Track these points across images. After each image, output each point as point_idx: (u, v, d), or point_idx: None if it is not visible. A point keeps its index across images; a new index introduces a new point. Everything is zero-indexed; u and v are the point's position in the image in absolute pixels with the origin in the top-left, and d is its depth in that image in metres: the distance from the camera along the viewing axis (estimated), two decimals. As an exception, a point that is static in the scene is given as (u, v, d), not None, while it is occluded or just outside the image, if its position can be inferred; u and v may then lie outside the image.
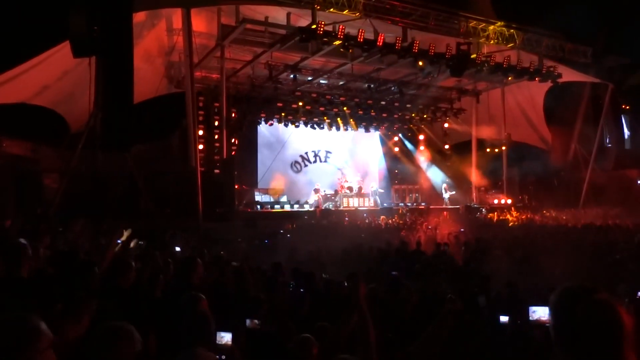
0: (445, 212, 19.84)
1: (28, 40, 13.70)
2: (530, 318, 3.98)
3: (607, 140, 25.88)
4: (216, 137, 18.85)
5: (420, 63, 17.08)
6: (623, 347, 1.77)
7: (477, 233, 12.99)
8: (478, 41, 17.97)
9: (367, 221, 17.29)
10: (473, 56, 17.44)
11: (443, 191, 23.82)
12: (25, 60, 13.93)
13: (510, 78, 19.95)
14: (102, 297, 3.28)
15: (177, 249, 8.34)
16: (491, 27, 18.22)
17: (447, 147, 25.73)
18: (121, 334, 2.16)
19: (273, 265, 6.73)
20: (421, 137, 26.46)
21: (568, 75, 20.60)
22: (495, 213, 20.63)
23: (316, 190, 22.65)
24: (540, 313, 3.93)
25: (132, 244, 5.95)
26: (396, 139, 27.29)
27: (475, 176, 24.71)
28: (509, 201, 23.59)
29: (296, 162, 25.51)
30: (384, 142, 27.89)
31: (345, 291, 5.55)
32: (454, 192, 23.88)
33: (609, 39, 21.81)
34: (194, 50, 15.78)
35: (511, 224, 17.29)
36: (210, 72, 19.50)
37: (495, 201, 23.78)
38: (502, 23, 18.43)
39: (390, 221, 17.39)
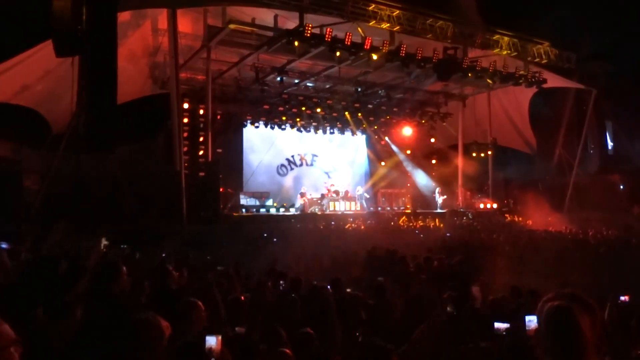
0: (428, 218, 19.93)
1: (9, 38, 13.49)
2: (527, 327, 3.87)
3: (591, 145, 26.32)
4: (201, 139, 18.75)
5: (408, 66, 17.20)
6: (581, 350, 1.82)
7: (464, 238, 13.08)
8: (465, 47, 18.17)
9: (353, 225, 17.30)
10: (460, 61, 17.61)
11: (437, 195, 23.96)
12: (6, 58, 13.72)
13: (496, 83, 20.18)
14: (93, 302, 3.24)
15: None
16: (478, 33, 18.43)
17: (433, 151, 25.91)
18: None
19: (261, 270, 6.71)
20: (408, 140, 26.60)
21: (553, 80, 20.92)
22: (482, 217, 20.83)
23: (302, 194, 22.64)
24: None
25: (102, 245, 5.90)
26: (383, 142, 27.39)
27: (461, 180, 24.93)
28: (495, 205, 23.83)
29: (282, 165, 25.45)
30: (371, 146, 27.98)
31: (330, 297, 5.56)
32: (445, 197, 24.04)
33: (593, 45, 22.21)
34: (180, 51, 15.70)
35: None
36: (196, 74, 19.41)
37: (481, 205, 24.00)
38: (489, 28, 18.67)
39: (377, 225, 17.43)
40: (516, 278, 7.28)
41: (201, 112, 18.93)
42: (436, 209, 23.60)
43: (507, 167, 24.61)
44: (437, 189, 24.12)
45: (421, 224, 18.72)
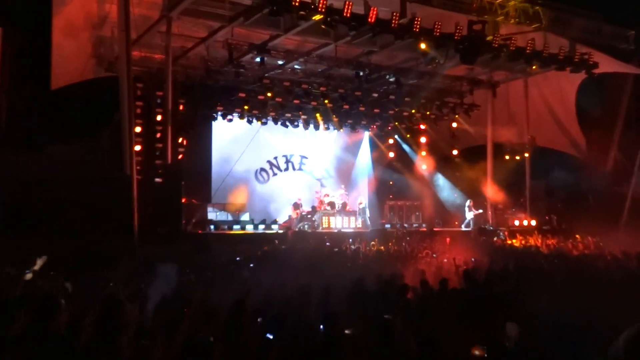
0: (447, 238, 20.03)
1: None
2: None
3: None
4: (158, 135, 18.75)
5: (423, 46, 17.32)
6: None
7: (494, 263, 13.14)
8: (495, 20, 18.33)
9: (353, 247, 17.34)
10: (489, 38, 17.75)
11: (466, 209, 24.03)
12: None
13: (534, 67, 20.34)
14: (27, 344, 3.24)
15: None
16: (512, 3, 18.59)
17: (455, 152, 26.08)
18: None
19: (234, 305, 6.72)
20: (423, 139, 26.75)
21: (606, 64, 21.10)
22: (518, 238, 20.94)
23: (296, 206, 22.64)
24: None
25: (37, 265, 5.91)
26: (391, 141, 27.54)
27: (491, 190, 25.07)
28: (533, 222, 23.98)
29: (262, 169, 25.54)
30: (375, 146, 28.14)
31: (320, 338, 5.59)
32: (481, 211, 24.11)
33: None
34: (132, 22, 15.73)
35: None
36: (153, 52, 19.43)
37: (516, 222, 24.12)
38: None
39: (382, 247, 17.47)
40: (563, 311, 7.32)
41: (159, 101, 18.92)
42: (463, 226, 23.75)
43: (548, 173, 24.75)
44: (469, 202, 24.18)
45: (439, 246, 18.76)
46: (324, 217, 22.14)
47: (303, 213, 22.56)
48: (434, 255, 16.02)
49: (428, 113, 25.02)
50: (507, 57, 18.67)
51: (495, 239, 21.13)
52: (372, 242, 18.28)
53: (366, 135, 28.01)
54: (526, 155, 24.29)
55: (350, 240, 18.98)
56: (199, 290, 8.86)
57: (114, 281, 8.70)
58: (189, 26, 17.96)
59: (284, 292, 8.73)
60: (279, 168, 26.05)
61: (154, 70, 19.62)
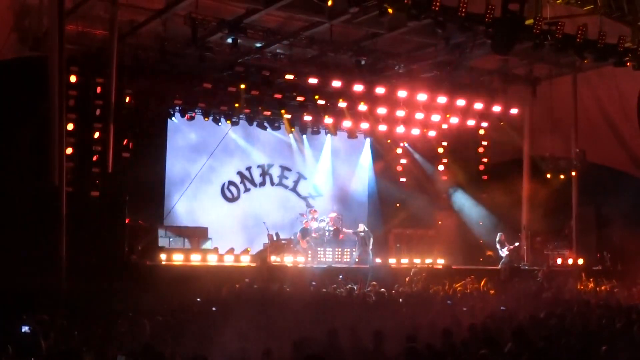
0: (470, 277, 20.03)
1: None
2: None
3: None
4: (97, 136, 18.65)
5: (444, 29, 17.39)
6: None
7: (530, 313, 13.13)
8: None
9: (347, 287, 17.30)
10: (528, 22, 17.85)
11: (498, 245, 23.97)
12: None
13: (586, 61, 20.47)
14: None
15: (26, 329, 8.21)
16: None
17: (482, 167, 26.16)
18: None
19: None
20: (441, 149, 26.80)
21: (679, 60, 21.28)
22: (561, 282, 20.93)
23: (304, 234, 22.37)
24: None
25: None
26: (399, 150, 27.56)
27: (527, 217, 25.08)
28: (580, 261, 24.01)
29: (231, 183, 25.46)
30: (378, 156, 28.14)
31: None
32: (517, 244, 24.07)
33: None
34: (67, -12, 15.73)
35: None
36: (93, 26, 19.40)
37: (559, 260, 24.15)
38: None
39: (384, 290, 17.45)
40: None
41: (99, 90, 18.85)
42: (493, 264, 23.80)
43: (602, 197, 24.83)
44: (499, 236, 24.12)
45: (459, 287, 18.77)
46: (309, 248, 22.08)
47: (283, 242, 22.51)
48: (449, 302, 16.02)
49: (448, 116, 25.08)
50: (551, 47, 18.75)
51: (530, 282, 21.06)
52: (373, 282, 18.25)
53: (367, 143, 28.00)
54: (573, 173, 24.38)
55: (340, 276, 18.98)
56: (143, 342, 8.81)
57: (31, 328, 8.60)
58: (140, -6, 18.05)
59: (258, 349, 8.66)
60: (252, 182, 25.99)
61: (94, 50, 19.57)
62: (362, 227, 23.92)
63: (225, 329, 10.06)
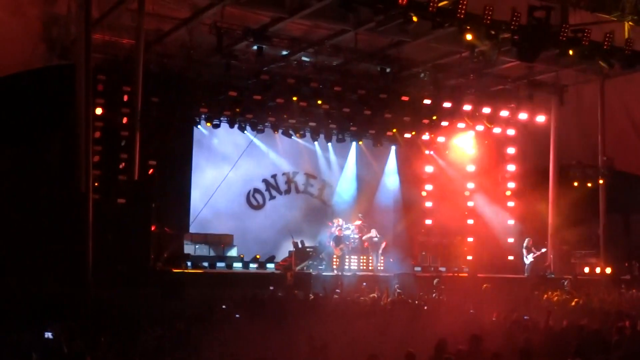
0: (486, 285, 19.82)
1: None
2: None
3: None
4: (123, 143, 18.78)
5: (469, 37, 17.32)
6: None
7: (552, 324, 12.99)
8: (564, 5, 18.33)
9: (371, 296, 17.24)
10: (555, 29, 17.73)
11: (524, 251, 23.81)
12: None
13: (614, 67, 20.27)
14: None
15: (48, 334, 8.27)
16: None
17: (509, 174, 25.99)
18: None
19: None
20: (467, 155, 26.65)
21: None
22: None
23: (338, 242, 22.22)
24: None
25: None
26: (425, 158, 27.41)
27: (553, 225, 24.87)
28: (608, 270, 23.75)
29: (257, 191, 25.47)
30: (404, 163, 28.01)
31: None
32: (544, 250, 23.92)
33: None
34: (95, -2, 15.87)
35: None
36: (120, 35, 19.56)
37: (586, 269, 23.88)
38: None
39: (410, 300, 17.36)
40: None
41: (126, 98, 18.99)
42: (521, 272, 23.61)
43: (630, 205, 24.57)
44: (527, 241, 23.95)
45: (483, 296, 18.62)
46: (334, 256, 22.03)
47: (308, 249, 22.49)
48: (471, 310, 15.91)
49: (474, 123, 24.96)
50: (578, 54, 18.62)
51: (557, 291, 20.82)
52: (396, 292, 18.16)
53: (392, 150, 27.91)
54: (601, 181, 24.14)
55: (364, 284, 18.93)
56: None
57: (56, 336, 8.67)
58: (167, 3, 18.04)
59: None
60: (278, 189, 25.98)
61: (121, 59, 19.72)
62: (374, 232, 23.85)
63: (248, 336, 10.08)
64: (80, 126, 15.93)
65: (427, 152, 27.45)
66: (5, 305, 10.62)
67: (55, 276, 14.41)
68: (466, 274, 22.79)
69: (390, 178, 28.04)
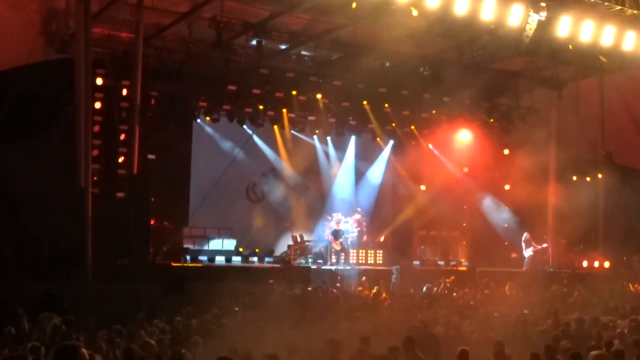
0: (485, 281, 19.86)
1: None
2: None
3: None
4: (123, 137, 18.76)
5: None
6: None
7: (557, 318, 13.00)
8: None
9: (373, 291, 17.30)
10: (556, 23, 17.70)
11: (523, 245, 23.88)
12: None
13: (614, 62, 20.26)
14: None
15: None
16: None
17: (508, 169, 25.98)
18: None
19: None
20: (465, 150, 26.66)
21: None
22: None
23: (336, 237, 22.30)
24: None
25: None
26: (424, 152, 27.38)
27: (552, 220, 24.90)
28: (606, 264, 23.79)
29: (255, 184, 25.47)
30: (403, 157, 27.96)
31: None
32: (545, 245, 23.98)
33: None
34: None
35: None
36: (119, 30, 19.53)
37: (584, 263, 23.92)
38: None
39: (412, 291, 17.41)
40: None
41: (125, 92, 18.99)
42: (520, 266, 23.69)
43: (630, 200, 24.57)
44: (525, 236, 24.02)
45: (486, 291, 18.66)
46: (332, 251, 22.06)
47: (307, 243, 22.52)
48: (471, 302, 15.98)
49: (473, 118, 24.98)
50: (577, 49, 18.60)
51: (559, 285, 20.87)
52: (394, 282, 18.26)
53: (390, 145, 27.84)
54: (600, 175, 24.15)
55: (364, 278, 18.97)
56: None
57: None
58: (166, -3, 18.15)
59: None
60: (277, 183, 25.95)
61: (120, 53, 19.67)
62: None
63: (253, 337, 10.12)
64: (79, 120, 15.94)
65: (426, 146, 27.46)
66: (5, 300, 10.61)
67: (54, 270, 14.41)
68: (465, 268, 22.81)
69: (389, 172, 28.01)
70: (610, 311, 14.57)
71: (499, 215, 26.60)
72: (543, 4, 17.33)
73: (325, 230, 23.40)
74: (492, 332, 11.04)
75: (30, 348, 7.54)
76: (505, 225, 26.50)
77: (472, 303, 15.97)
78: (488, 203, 26.89)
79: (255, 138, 24.77)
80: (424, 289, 18.51)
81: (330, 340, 8.73)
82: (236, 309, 13.60)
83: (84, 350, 5.39)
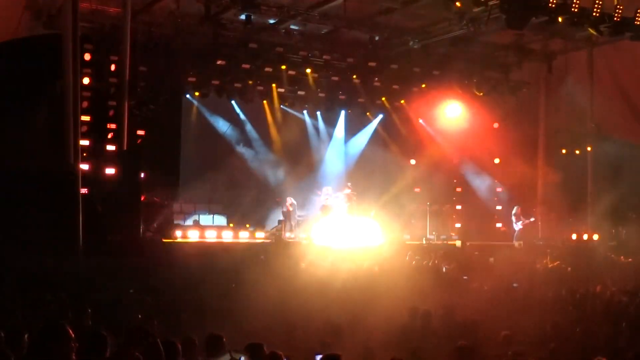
0: (481, 255, 19.98)
1: None
2: None
3: None
4: (111, 114, 18.71)
5: (458, 3, 17.26)
6: None
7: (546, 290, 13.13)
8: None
9: (365, 267, 17.37)
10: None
11: (513, 219, 23.96)
12: None
13: (603, 34, 20.23)
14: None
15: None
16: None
17: (496, 142, 26.03)
18: None
19: (209, 341, 6.76)
20: (455, 124, 26.67)
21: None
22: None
23: (324, 208, 22.33)
24: None
25: None
26: (414, 126, 27.41)
27: (542, 193, 25.00)
28: (595, 237, 23.94)
29: (245, 161, 25.41)
30: (392, 132, 27.96)
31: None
32: (532, 219, 24.05)
33: None
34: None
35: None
36: (106, 4, 19.35)
37: (574, 236, 24.07)
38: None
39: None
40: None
41: (113, 67, 18.90)
42: (511, 239, 23.74)
43: (618, 173, 24.67)
44: (516, 209, 24.09)
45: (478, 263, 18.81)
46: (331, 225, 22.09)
47: (298, 218, 22.56)
48: (465, 277, 16.11)
49: (463, 91, 24.97)
50: (567, 21, 18.56)
51: (547, 258, 21.01)
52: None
53: (377, 119, 27.75)
54: (589, 148, 24.24)
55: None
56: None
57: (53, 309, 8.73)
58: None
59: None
60: (266, 158, 25.92)
61: (108, 28, 19.51)
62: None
63: (240, 307, 10.16)
64: (67, 96, 15.83)
65: (416, 120, 27.46)
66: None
67: (45, 248, 14.37)
68: (456, 242, 22.90)
69: (379, 147, 28.00)
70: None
71: (489, 189, 26.71)
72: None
73: (315, 205, 23.41)
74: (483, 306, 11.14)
75: None
76: (495, 199, 26.64)
77: (465, 278, 16.10)
78: (477, 177, 26.99)
79: (244, 113, 24.69)
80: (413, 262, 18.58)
81: None
82: (233, 285, 13.63)
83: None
